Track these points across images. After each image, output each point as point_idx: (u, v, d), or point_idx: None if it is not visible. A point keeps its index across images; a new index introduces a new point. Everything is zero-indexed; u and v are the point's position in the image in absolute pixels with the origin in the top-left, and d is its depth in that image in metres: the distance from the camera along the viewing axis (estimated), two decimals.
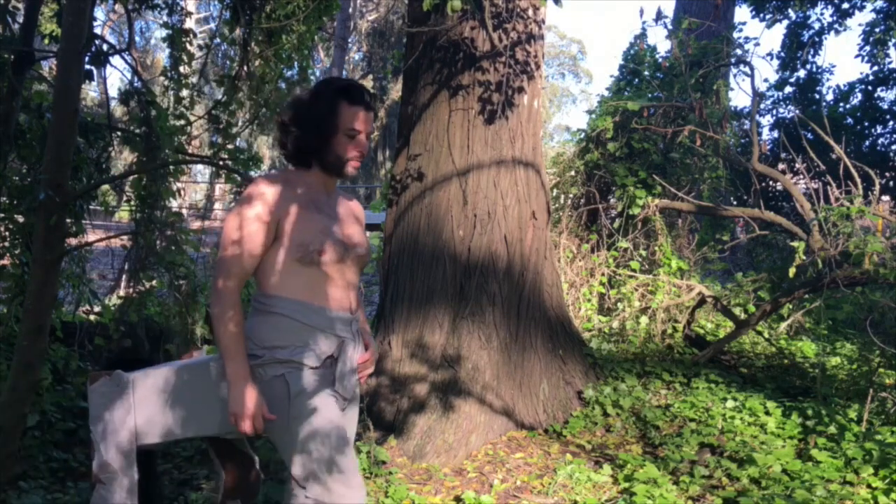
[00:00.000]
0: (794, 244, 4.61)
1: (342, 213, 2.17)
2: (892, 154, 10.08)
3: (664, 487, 3.26)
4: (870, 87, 10.32)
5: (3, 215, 3.55)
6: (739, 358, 5.37)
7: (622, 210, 5.97)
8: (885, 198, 9.33)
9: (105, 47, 3.55)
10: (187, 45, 4.32)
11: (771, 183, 8.34)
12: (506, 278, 4.18)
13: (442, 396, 3.87)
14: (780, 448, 3.66)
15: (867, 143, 10.12)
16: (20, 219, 3.53)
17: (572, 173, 6.36)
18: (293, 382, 1.98)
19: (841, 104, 10.35)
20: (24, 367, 2.84)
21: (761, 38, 8.94)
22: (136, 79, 4.07)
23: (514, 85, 4.20)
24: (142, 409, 2.14)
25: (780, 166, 8.84)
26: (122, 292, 4.60)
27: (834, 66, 22.26)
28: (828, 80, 13.09)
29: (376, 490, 3.24)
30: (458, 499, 3.26)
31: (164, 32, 4.39)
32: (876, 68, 10.68)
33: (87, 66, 3.38)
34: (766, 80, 18.03)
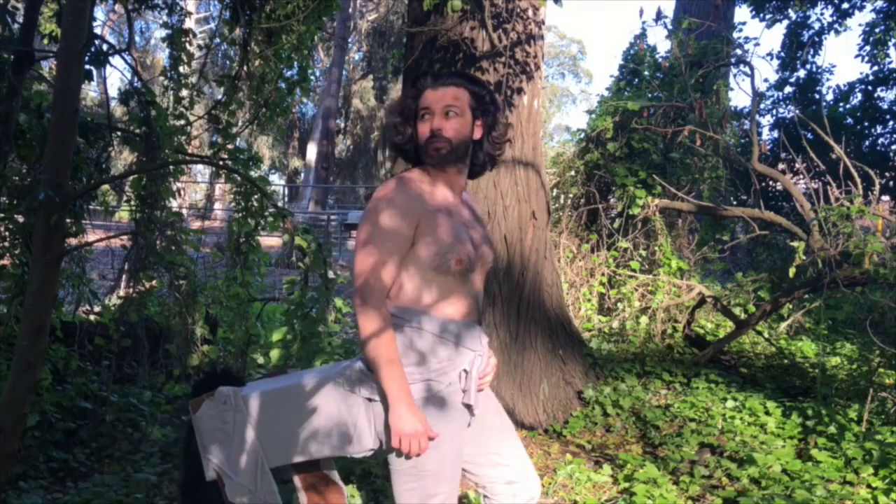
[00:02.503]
0: (794, 244, 4.61)
1: (469, 215, 2.07)
2: (892, 154, 10.09)
3: (664, 487, 3.26)
4: (870, 87, 10.33)
5: (3, 215, 3.54)
6: (739, 358, 5.37)
7: (622, 210, 5.97)
8: (885, 198, 9.34)
9: (105, 47, 3.55)
10: (187, 45, 4.32)
11: (771, 183, 8.34)
12: (506, 278, 4.18)
13: None
14: (780, 448, 3.66)
15: (867, 143, 10.14)
16: (20, 219, 3.53)
17: (572, 173, 6.36)
18: (430, 409, 1.91)
19: (841, 104, 10.37)
20: (24, 367, 2.84)
21: (761, 38, 8.96)
22: (135, 79, 4.07)
23: (514, 85, 4.20)
24: (262, 428, 2.01)
25: (780, 166, 8.84)
26: (122, 292, 4.59)
27: (834, 66, 22.32)
28: (828, 80, 13.15)
29: (376, 491, 3.24)
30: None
31: (164, 32, 4.39)
32: (876, 68, 10.70)
33: (87, 66, 3.37)
34: (766, 80, 18.04)
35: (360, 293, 1.87)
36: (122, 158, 17.37)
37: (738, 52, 6.40)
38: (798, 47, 10.88)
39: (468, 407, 1.97)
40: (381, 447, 1.98)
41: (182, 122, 4.29)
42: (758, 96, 6.10)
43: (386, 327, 1.86)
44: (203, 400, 2.02)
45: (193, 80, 4.70)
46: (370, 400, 1.95)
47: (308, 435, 2.00)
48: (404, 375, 1.86)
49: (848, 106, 10.36)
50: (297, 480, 2.15)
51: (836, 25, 11.15)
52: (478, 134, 2.01)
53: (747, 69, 5.85)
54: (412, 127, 1.99)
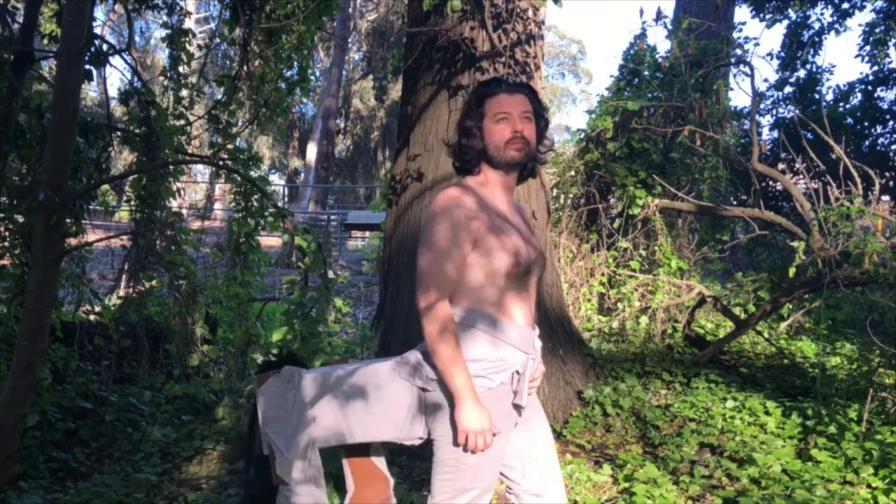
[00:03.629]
0: (794, 244, 4.61)
1: (521, 220, 2.15)
2: (892, 154, 10.07)
3: (664, 487, 3.26)
4: (870, 87, 10.31)
5: (3, 215, 3.55)
6: (739, 358, 5.37)
7: (622, 210, 5.96)
8: (885, 198, 9.33)
9: (105, 47, 3.55)
10: (187, 45, 4.32)
11: (771, 183, 8.34)
12: None
13: None
14: (780, 448, 3.66)
15: (867, 143, 10.11)
16: (20, 219, 3.53)
17: (572, 173, 6.36)
18: None
19: (841, 104, 10.35)
20: (24, 367, 2.84)
21: (761, 38, 8.94)
22: (135, 79, 4.07)
23: None
24: (318, 408, 2.08)
25: (780, 166, 8.84)
26: (122, 292, 4.60)
27: (834, 66, 22.25)
28: (828, 80, 13.11)
29: None
30: None
31: (164, 32, 4.39)
32: (876, 68, 10.68)
33: (87, 66, 3.37)
34: (766, 80, 18.04)
35: (425, 296, 1.95)
36: (122, 158, 17.38)
37: (738, 52, 6.40)
38: (798, 47, 10.87)
39: (517, 408, 2.03)
40: (429, 436, 2.04)
41: (182, 122, 4.29)
42: (758, 96, 6.10)
43: (450, 328, 1.93)
44: (269, 376, 2.10)
45: (193, 80, 4.71)
46: (424, 390, 2.02)
47: (361, 419, 2.08)
48: (467, 373, 1.92)
49: (848, 106, 10.34)
50: (345, 465, 2.22)
51: (836, 25, 11.13)
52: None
53: (747, 69, 5.85)
54: (480, 130, 2.05)
